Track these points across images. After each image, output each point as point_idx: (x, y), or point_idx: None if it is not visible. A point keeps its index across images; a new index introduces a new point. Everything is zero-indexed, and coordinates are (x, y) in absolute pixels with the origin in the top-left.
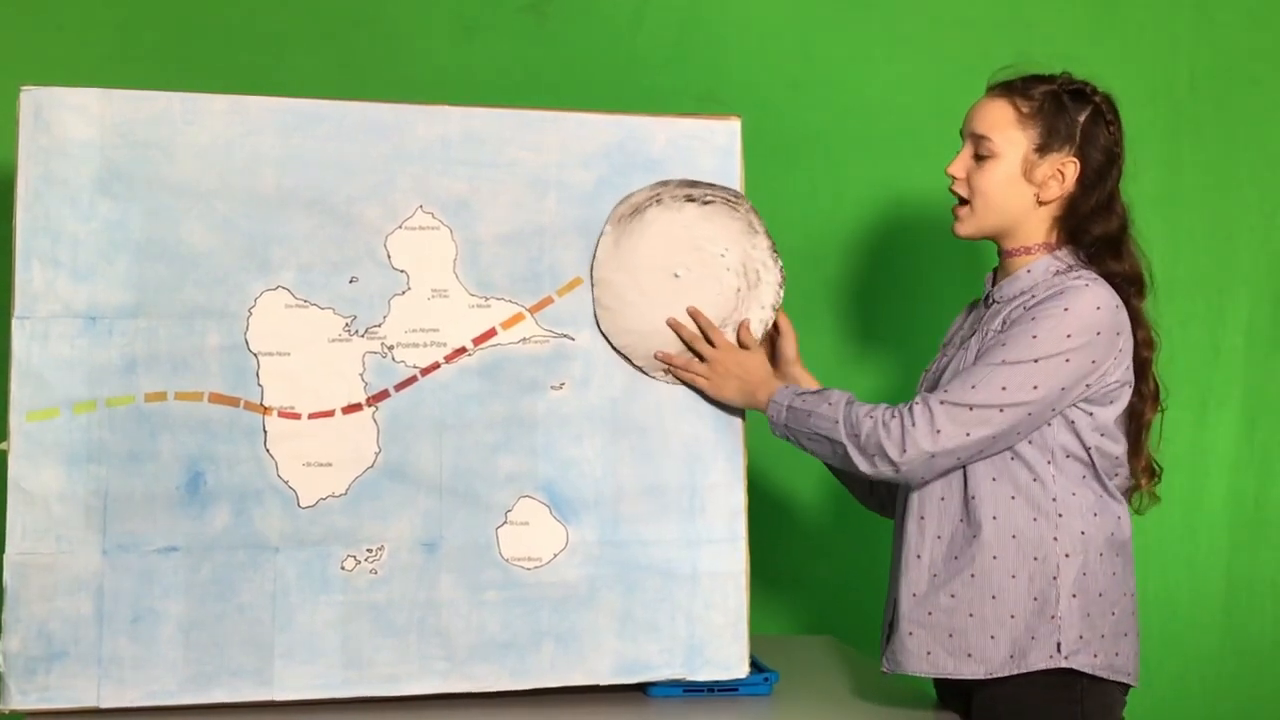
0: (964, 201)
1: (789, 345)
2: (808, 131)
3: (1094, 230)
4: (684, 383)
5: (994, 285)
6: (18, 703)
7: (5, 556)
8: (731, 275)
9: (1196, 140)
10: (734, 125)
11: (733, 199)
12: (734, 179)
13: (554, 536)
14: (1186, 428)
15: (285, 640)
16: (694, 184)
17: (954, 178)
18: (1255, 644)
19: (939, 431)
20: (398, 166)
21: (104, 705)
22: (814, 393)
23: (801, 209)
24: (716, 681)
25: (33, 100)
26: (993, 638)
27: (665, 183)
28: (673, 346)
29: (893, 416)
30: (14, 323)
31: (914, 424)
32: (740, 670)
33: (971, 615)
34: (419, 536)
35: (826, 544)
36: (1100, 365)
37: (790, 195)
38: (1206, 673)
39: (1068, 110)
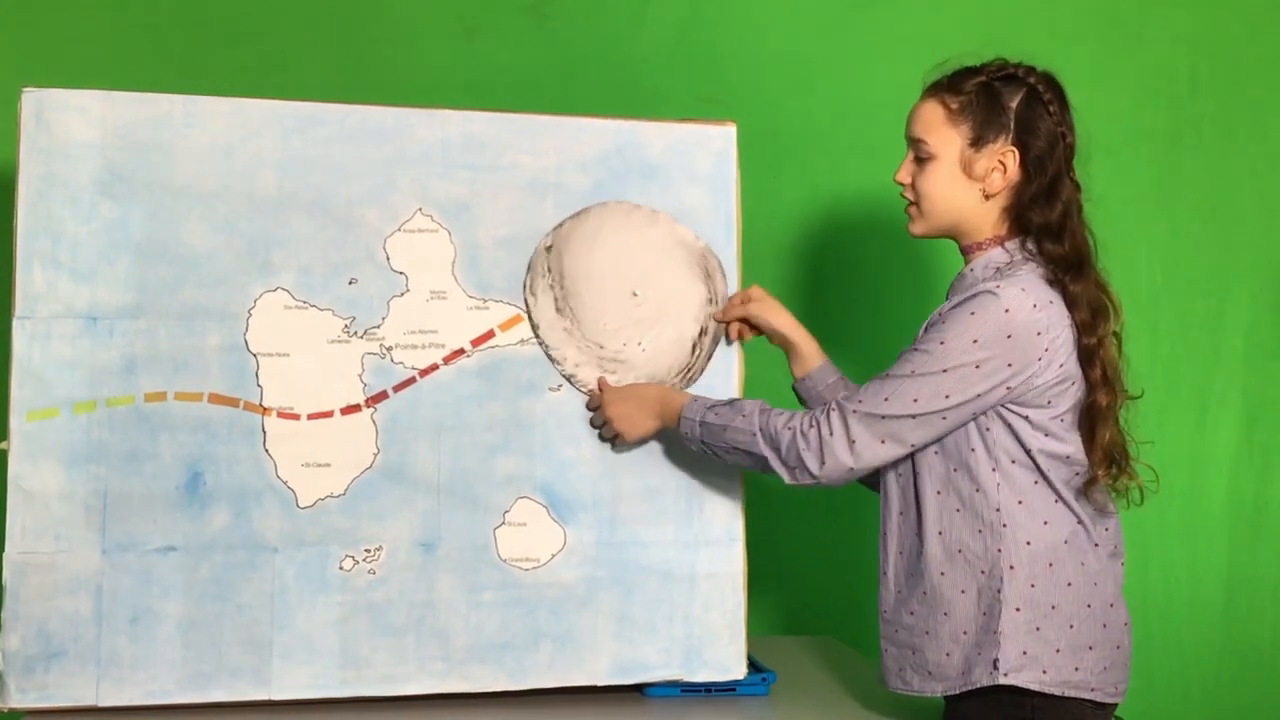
0: (913, 204)
1: (772, 319)
2: (807, 133)
3: (1035, 218)
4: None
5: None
6: (17, 701)
7: (5, 556)
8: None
9: (1196, 141)
10: (730, 130)
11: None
12: (730, 182)
13: (552, 537)
14: (1186, 428)
15: (283, 640)
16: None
17: (902, 184)
18: (1255, 644)
19: (854, 442)
20: (398, 169)
21: (102, 704)
22: (725, 404)
23: (801, 210)
24: (714, 682)
25: (34, 101)
26: (948, 655)
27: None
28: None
29: (810, 425)
30: (15, 323)
31: (831, 434)
32: (738, 671)
33: (928, 633)
34: (417, 537)
35: (825, 544)
36: (1020, 368)
37: (790, 197)
38: (1206, 673)
39: (1000, 98)
